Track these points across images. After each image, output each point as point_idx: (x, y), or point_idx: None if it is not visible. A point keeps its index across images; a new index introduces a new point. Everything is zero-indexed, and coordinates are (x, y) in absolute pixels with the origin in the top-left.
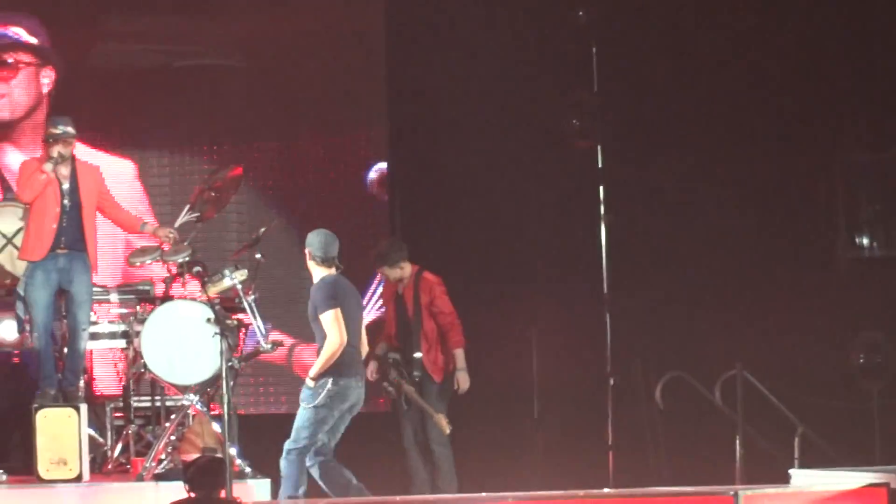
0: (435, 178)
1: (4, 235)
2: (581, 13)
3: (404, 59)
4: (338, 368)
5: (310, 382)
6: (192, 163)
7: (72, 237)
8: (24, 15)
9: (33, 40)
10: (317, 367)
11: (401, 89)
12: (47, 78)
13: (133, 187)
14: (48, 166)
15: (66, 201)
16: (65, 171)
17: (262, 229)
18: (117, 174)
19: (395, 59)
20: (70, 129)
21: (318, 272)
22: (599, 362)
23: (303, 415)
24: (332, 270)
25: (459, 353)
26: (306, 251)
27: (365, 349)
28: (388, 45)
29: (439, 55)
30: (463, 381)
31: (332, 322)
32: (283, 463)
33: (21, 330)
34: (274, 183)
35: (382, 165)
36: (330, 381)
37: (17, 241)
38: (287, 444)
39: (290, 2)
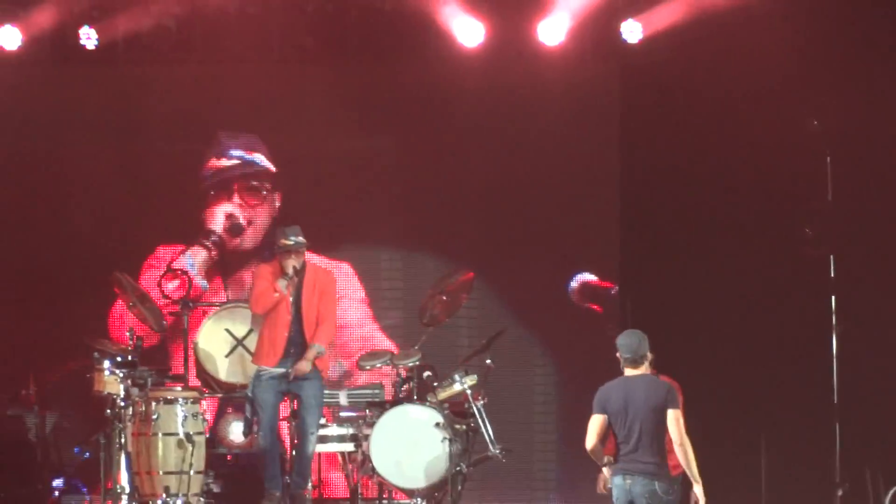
0: (665, 283)
1: (236, 338)
2: (815, 122)
3: (636, 161)
4: (615, 467)
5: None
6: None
7: (300, 342)
8: (254, 138)
9: (271, 167)
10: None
11: (632, 192)
12: (277, 202)
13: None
14: (282, 284)
15: (293, 310)
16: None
17: (494, 334)
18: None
19: (626, 161)
20: (301, 240)
21: (626, 372)
22: (829, 471)
23: None
24: (641, 370)
25: None
26: (617, 353)
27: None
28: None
29: (670, 156)
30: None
31: (590, 424)
32: None
33: (249, 432)
34: (504, 290)
35: (584, 276)
36: (614, 479)
37: (247, 342)
38: None
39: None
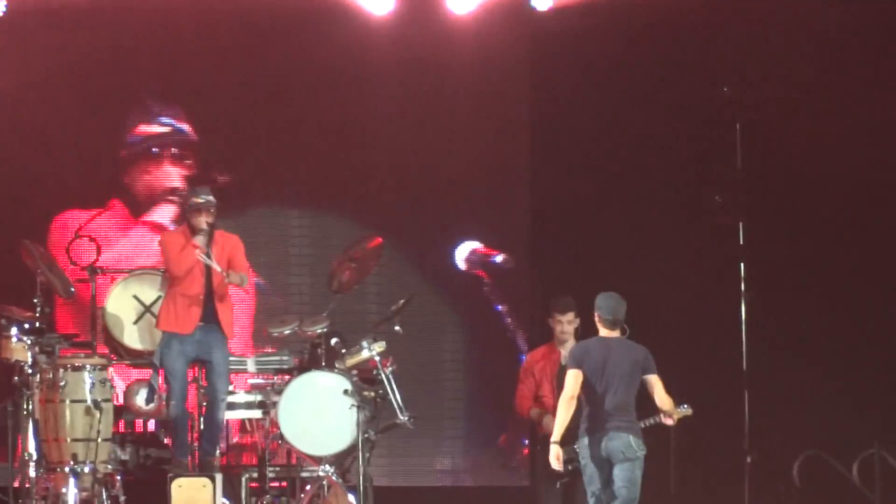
0: (577, 252)
1: (144, 304)
2: (726, 88)
3: (547, 129)
4: (582, 427)
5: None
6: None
7: (208, 309)
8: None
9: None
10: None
11: (544, 160)
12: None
13: None
14: (200, 240)
15: (205, 275)
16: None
17: (402, 301)
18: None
19: (538, 129)
20: (212, 199)
21: (602, 333)
22: (737, 439)
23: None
24: (615, 333)
25: None
26: (595, 313)
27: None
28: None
29: (581, 124)
30: None
31: (568, 378)
32: None
33: (156, 399)
34: (413, 256)
35: (471, 244)
36: (580, 441)
37: (155, 309)
38: None
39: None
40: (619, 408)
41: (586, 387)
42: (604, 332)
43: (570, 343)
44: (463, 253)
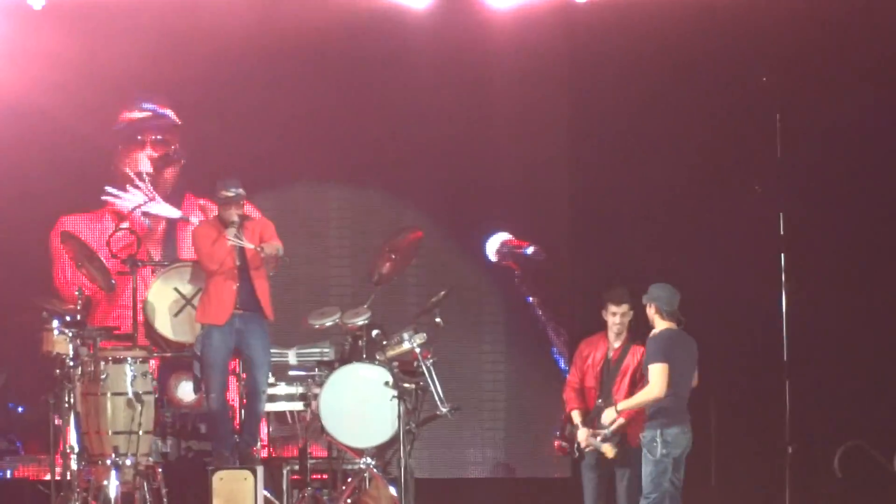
0: (616, 243)
1: (185, 297)
2: (765, 78)
3: (586, 120)
4: (665, 419)
5: (607, 414)
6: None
7: (245, 297)
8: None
9: (178, 121)
10: (624, 403)
11: (582, 150)
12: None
13: None
14: (231, 233)
15: (238, 262)
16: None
17: (442, 293)
18: None
19: (576, 120)
20: (241, 191)
21: (660, 325)
22: (778, 429)
23: (647, 469)
24: (674, 324)
25: None
26: (651, 304)
27: None
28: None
29: (620, 115)
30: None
31: (658, 374)
32: None
33: (197, 391)
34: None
35: (501, 234)
36: (658, 431)
37: (195, 302)
38: (642, 501)
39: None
40: (686, 402)
41: (671, 379)
42: (662, 323)
43: (623, 335)
44: (494, 245)
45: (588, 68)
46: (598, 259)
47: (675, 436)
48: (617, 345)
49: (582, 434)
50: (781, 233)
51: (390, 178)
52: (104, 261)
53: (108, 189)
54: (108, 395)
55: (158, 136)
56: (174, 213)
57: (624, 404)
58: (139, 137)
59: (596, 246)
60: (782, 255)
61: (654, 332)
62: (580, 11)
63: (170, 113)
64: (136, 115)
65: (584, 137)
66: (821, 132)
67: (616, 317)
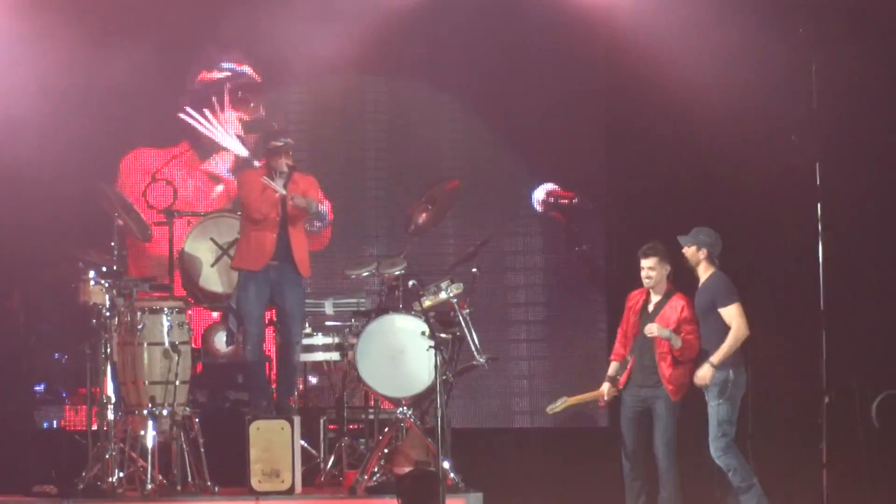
0: (652, 195)
1: (221, 247)
2: (801, 30)
3: (622, 73)
4: (735, 359)
5: (705, 371)
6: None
7: (283, 249)
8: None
9: (258, 77)
10: (720, 354)
11: (619, 102)
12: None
13: None
14: (280, 183)
15: (281, 212)
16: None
17: (479, 242)
18: None
19: (613, 73)
20: (290, 141)
21: (709, 269)
22: (815, 379)
23: (721, 409)
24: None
25: None
26: (704, 249)
27: None
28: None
29: (656, 65)
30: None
31: (738, 314)
32: (725, 459)
33: (233, 342)
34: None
35: (547, 185)
36: (731, 371)
37: (232, 252)
38: (717, 444)
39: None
40: None
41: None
42: (711, 268)
43: (663, 286)
44: (540, 195)
45: (626, 17)
46: (633, 210)
47: (741, 376)
48: (656, 298)
49: (605, 387)
50: (817, 182)
51: (427, 131)
52: (140, 213)
53: (188, 109)
54: (145, 345)
55: (240, 94)
56: (242, 150)
57: (717, 356)
58: (222, 96)
59: (631, 196)
60: (818, 204)
61: (709, 277)
62: None
63: (247, 69)
64: (216, 74)
65: (621, 88)
66: (856, 83)
67: (644, 270)
